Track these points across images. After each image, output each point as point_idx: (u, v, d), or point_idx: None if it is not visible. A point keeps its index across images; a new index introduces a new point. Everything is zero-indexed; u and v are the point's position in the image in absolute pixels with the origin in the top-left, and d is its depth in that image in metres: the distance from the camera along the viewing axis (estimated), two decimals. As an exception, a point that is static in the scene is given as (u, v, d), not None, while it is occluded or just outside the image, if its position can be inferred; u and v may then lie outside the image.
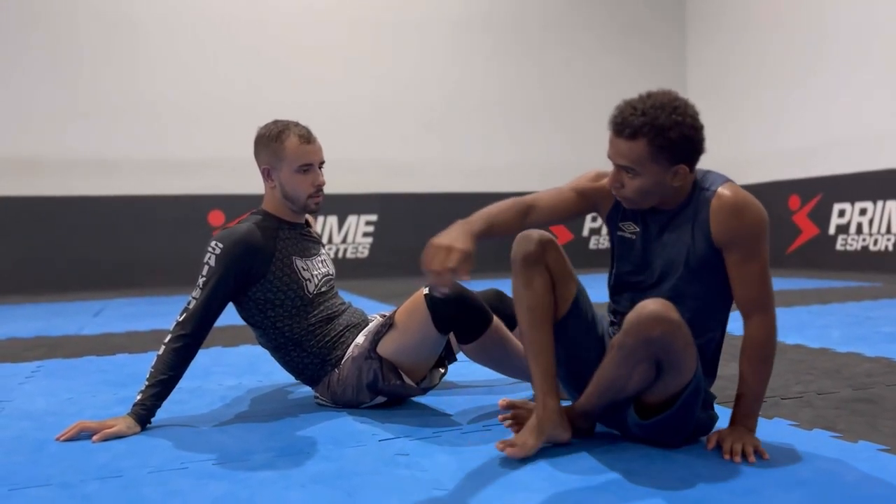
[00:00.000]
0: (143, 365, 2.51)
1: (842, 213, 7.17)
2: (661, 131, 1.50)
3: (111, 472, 1.55)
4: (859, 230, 6.99)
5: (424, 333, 1.93)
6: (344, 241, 7.78)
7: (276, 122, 2.06)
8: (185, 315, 1.92)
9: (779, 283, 5.65)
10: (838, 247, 7.19)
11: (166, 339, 1.91)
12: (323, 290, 2.11)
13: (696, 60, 8.91)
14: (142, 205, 7.11)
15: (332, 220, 7.76)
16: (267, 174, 2.07)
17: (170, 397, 1.91)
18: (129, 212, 7.06)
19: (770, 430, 1.73)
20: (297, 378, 2.13)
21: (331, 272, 2.18)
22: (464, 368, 2.58)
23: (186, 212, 7.19)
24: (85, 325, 4.25)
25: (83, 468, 1.58)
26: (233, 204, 7.23)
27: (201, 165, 7.30)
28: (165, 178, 7.21)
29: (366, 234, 7.87)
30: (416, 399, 2.15)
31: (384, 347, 1.97)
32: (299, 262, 2.06)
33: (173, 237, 7.09)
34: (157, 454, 1.67)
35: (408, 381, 1.99)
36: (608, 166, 1.64)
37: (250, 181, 7.69)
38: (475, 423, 1.88)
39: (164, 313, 4.47)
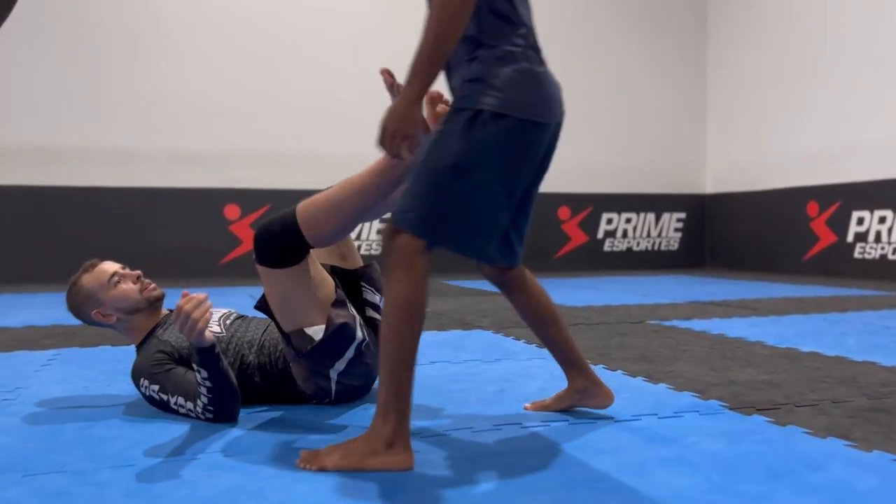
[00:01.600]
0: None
1: (860, 221, 7.10)
2: None
3: (124, 460, 1.57)
4: (878, 238, 6.92)
5: (282, 278, 1.90)
6: (357, 238, 7.80)
7: (67, 287, 2.10)
8: (190, 407, 1.87)
9: (796, 290, 5.63)
10: (856, 255, 7.12)
11: (204, 415, 1.86)
12: (228, 322, 2.13)
13: (717, 65, 8.85)
14: (158, 197, 7.15)
15: (347, 216, 7.76)
16: (101, 317, 2.08)
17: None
18: (145, 203, 7.11)
19: (784, 437, 1.72)
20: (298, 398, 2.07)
21: (223, 311, 2.20)
22: (475, 367, 2.58)
23: (202, 205, 7.22)
24: (100, 315, 4.29)
25: (96, 456, 1.60)
26: (249, 198, 7.26)
27: (218, 158, 7.34)
28: (182, 171, 7.24)
29: (379, 232, 7.88)
30: (426, 398, 2.15)
31: (282, 320, 1.94)
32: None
33: (188, 230, 7.12)
34: (170, 445, 1.68)
35: (332, 318, 1.92)
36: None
37: (267, 175, 7.77)
38: (485, 422, 1.88)
39: (179, 305, 4.49)
